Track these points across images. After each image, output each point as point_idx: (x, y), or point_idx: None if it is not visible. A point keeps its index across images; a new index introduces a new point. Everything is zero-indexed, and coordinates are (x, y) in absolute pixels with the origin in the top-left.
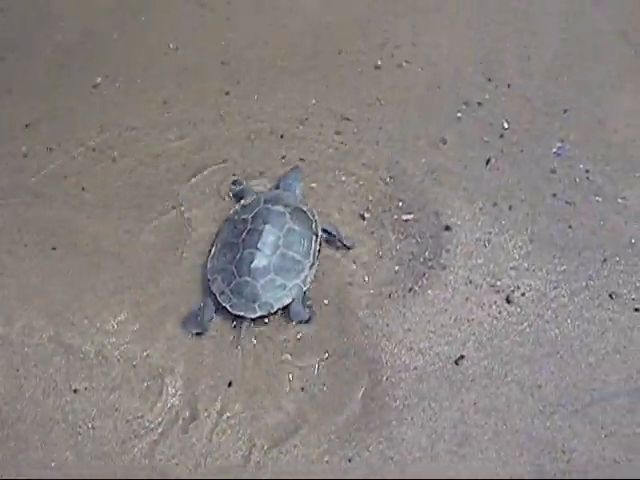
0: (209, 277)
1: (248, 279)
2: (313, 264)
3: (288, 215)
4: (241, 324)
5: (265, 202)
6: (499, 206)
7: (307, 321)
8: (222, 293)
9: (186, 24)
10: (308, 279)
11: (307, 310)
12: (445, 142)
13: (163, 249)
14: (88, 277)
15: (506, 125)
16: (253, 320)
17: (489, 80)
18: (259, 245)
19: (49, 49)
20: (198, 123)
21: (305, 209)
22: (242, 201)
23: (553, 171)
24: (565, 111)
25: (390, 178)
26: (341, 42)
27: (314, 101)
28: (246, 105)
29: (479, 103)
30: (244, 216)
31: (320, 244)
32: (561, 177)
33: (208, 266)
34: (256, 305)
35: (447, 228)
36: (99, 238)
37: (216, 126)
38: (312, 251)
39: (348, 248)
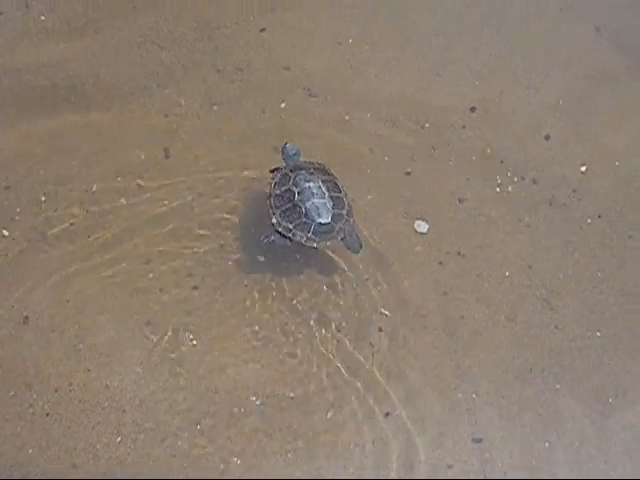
0: (289, 235)
1: (321, 220)
2: (347, 196)
3: (314, 172)
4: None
5: (292, 171)
6: None
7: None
8: (307, 239)
9: None
10: (351, 208)
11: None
12: None
13: None
14: None
15: None
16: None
17: None
18: (314, 198)
19: None
20: None
21: (318, 166)
22: (274, 178)
23: None
24: None
25: None
26: None
27: None
28: None
29: None
30: (286, 187)
31: None
32: None
33: (280, 229)
34: (334, 233)
35: None
36: None
37: None
38: (342, 189)
39: None
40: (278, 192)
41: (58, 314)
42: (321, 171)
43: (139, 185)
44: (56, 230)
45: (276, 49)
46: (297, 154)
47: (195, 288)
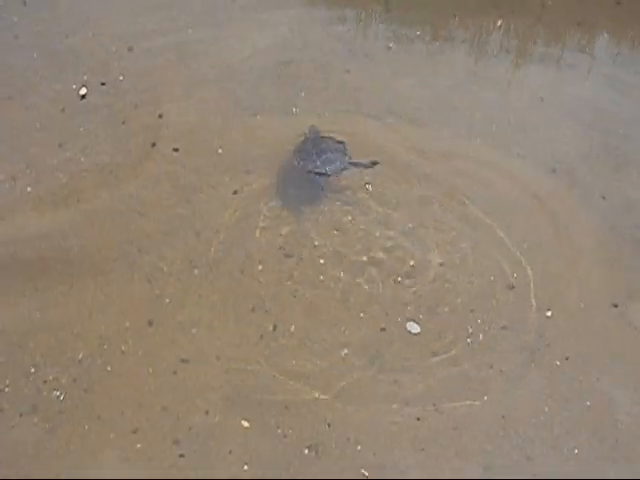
0: (310, 170)
1: (325, 155)
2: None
3: (324, 136)
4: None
5: (308, 137)
6: None
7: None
8: (317, 167)
9: None
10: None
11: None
12: None
13: None
14: None
15: None
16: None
17: None
18: (321, 144)
19: None
20: None
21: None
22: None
23: None
24: None
25: None
26: None
27: None
28: None
29: None
30: (305, 144)
31: None
32: None
33: (300, 166)
34: (338, 164)
35: None
36: None
37: None
38: (344, 144)
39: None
40: (300, 149)
41: None
42: (329, 138)
43: (123, 352)
44: (45, 402)
45: (247, 208)
46: (317, 131)
47: (182, 456)
